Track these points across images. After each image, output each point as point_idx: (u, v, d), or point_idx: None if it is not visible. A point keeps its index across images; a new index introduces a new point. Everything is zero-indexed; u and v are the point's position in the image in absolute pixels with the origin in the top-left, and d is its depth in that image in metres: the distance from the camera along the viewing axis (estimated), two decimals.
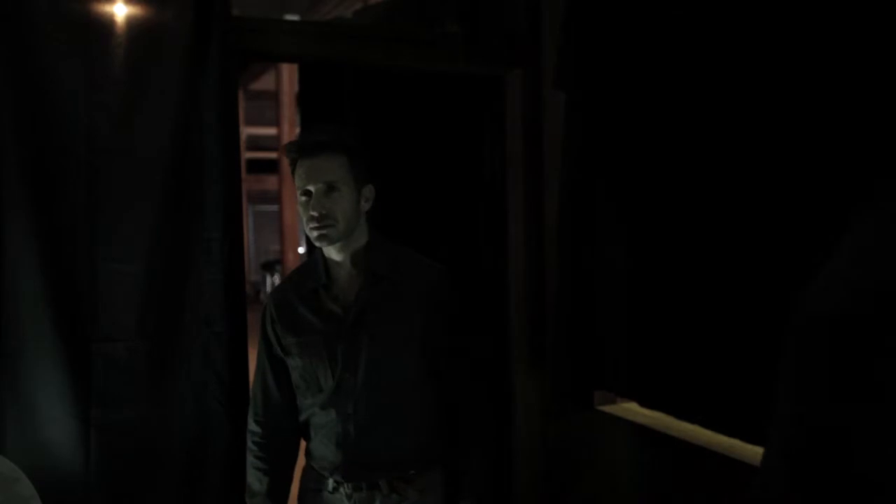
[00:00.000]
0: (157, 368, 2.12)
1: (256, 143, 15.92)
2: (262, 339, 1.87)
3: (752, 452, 1.84)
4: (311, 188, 1.71)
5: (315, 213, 1.70)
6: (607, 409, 2.39)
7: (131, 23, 2.08)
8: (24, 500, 1.82)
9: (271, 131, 14.04)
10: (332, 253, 1.79)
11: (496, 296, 2.71)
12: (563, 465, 2.55)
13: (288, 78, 12.12)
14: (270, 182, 14.67)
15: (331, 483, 1.80)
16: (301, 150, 1.74)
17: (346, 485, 1.78)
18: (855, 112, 1.53)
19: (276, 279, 13.94)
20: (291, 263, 11.99)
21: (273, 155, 13.90)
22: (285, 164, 12.01)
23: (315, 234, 1.72)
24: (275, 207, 14.24)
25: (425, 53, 2.54)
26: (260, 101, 14.76)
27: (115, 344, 2.08)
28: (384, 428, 1.77)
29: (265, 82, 13.48)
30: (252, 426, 1.88)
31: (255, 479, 1.85)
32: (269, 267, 14.84)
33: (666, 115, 2.01)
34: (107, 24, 2.07)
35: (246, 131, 14.14)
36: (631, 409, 2.34)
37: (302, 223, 1.78)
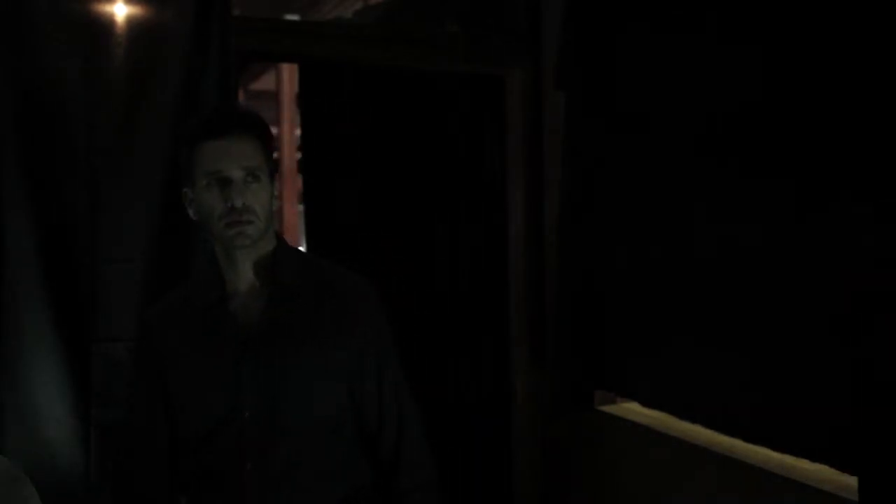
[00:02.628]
0: None
1: None
2: (138, 368, 1.54)
3: (753, 452, 1.83)
4: (230, 174, 1.38)
5: (238, 204, 1.37)
6: (607, 409, 2.39)
7: (131, 23, 2.08)
8: (24, 499, 1.81)
9: (272, 131, 14.01)
10: (237, 259, 1.44)
11: (496, 296, 2.71)
12: (563, 465, 2.55)
13: (288, 78, 12.08)
14: None
15: None
16: (213, 126, 1.41)
17: None
18: (858, 112, 1.53)
19: None
20: None
21: (273, 155, 13.88)
22: (286, 163, 11.93)
23: (232, 231, 1.38)
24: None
25: (425, 53, 2.53)
26: (260, 101, 14.73)
27: (115, 344, 2.08)
28: (296, 484, 1.41)
29: (265, 82, 13.43)
30: (120, 470, 1.53)
31: None
32: None
33: (667, 114, 2.01)
34: (107, 24, 2.07)
35: None
36: (631, 409, 2.34)
37: (214, 221, 1.39)
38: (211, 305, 1.45)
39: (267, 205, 1.43)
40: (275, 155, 1.52)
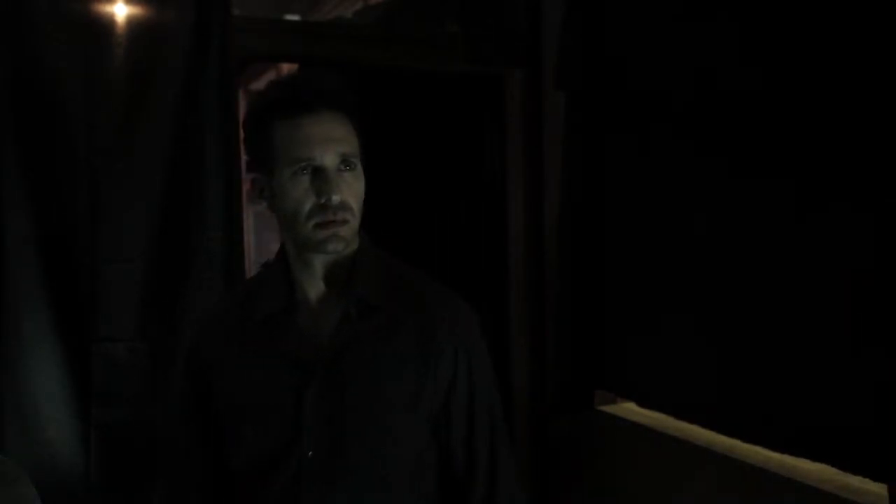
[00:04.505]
0: (158, 368, 2.12)
1: None
2: (183, 388, 1.29)
3: (753, 452, 1.84)
4: (323, 163, 1.13)
5: (334, 201, 1.13)
6: (607, 409, 2.39)
7: (131, 23, 2.08)
8: (25, 499, 1.81)
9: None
10: (312, 261, 1.20)
11: (496, 295, 2.71)
12: (563, 465, 2.55)
13: None
14: None
15: None
16: (300, 100, 1.15)
17: None
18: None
19: None
20: None
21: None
22: None
23: (324, 234, 1.14)
24: None
25: (425, 53, 2.54)
26: None
27: (115, 344, 2.08)
28: None
29: (265, 82, 13.49)
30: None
31: None
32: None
33: (667, 114, 2.01)
34: (107, 24, 2.07)
35: None
36: (631, 409, 2.34)
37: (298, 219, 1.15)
38: (274, 315, 1.21)
39: (361, 198, 1.19)
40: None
